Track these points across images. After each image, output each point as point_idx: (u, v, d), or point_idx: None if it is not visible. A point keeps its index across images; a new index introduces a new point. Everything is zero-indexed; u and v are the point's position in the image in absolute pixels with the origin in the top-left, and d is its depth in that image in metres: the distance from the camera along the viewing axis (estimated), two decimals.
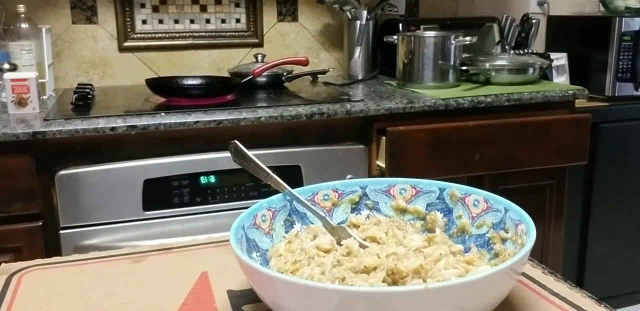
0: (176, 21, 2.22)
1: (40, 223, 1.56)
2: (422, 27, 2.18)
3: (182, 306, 0.66)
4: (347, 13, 2.22)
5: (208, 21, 2.25)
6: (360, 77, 2.22)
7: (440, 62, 1.95)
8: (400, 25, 2.18)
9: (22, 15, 1.82)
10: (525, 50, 2.22)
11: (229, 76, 2.06)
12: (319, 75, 2.19)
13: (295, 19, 2.35)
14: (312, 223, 0.74)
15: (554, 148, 1.88)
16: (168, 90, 1.86)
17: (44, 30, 1.85)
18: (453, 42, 1.94)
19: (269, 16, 2.31)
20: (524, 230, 0.64)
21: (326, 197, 0.77)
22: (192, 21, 2.23)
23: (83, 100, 1.70)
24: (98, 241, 1.58)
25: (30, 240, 1.55)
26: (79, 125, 1.53)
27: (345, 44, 2.29)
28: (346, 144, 1.77)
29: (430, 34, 1.99)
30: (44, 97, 1.82)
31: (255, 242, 0.68)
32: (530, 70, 2.04)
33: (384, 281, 0.60)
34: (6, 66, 1.73)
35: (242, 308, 0.65)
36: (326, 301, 0.53)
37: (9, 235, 1.53)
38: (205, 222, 1.65)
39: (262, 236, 0.70)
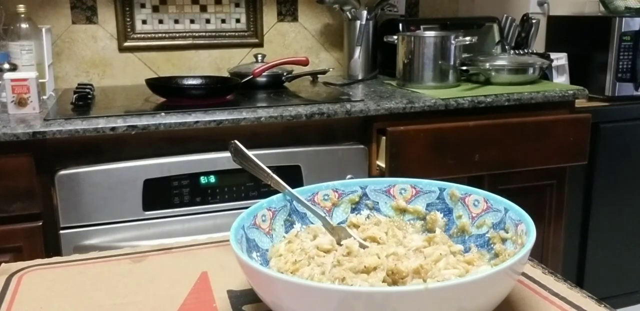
0: (176, 21, 2.22)
1: (40, 223, 1.56)
2: (422, 27, 2.18)
3: (182, 306, 0.66)
4: (347, 13, 2.22)
5: (208, 21, 2.25)
6: (360, 77, 2.22)
7: (440, 62, 1.95)
8: (400, 25, 2.19)
9: (22, 15, 1.82)
10: (525, 50, 2.22)
11: (229, 76, 2.06)
12: (319, 75, 2.19)
13: (295, 19, 2.35)
14: (312, 223, 0.74)
15: (554, 148, 1.88)
16: (168, 90, 1.86)
17: (44, 30, 1.85)
18: (453, 42, 1.94)
19: (269, 16, 2.31)
20: (524, 230, 0.64)
21: (326, 197, 0.77)
22: (192, 21, 2.23)
23: (83, 100, 1.70)
24: (98, 241, 1.58)
25: (30, 240, 1.55)
26: (79, 125, 1.53)
27: (345, 44, 2.29)
28: (346, 144, 1.77)
29: (430, 34, 1.99)
30: (44, 97, 1.82)
31: (255, 242, 0.68)
32: (530, 70, 2.04)
33: (384, 281, 0.60)
34: (6, 66, 1.73)
35: (242, 308, 0.65)
36: (326, 301, 0.53)
37: (9, 235, 1.53)
38: (205, 222, 1.65)
39: (262, 236, 0.70)
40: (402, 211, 0.77)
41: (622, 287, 2.38)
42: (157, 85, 1.87)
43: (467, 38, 1.93)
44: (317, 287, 0.54)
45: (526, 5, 2.42)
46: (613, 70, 2.21)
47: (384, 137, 1.74)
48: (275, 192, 0.75)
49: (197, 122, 1.60)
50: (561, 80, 2.29)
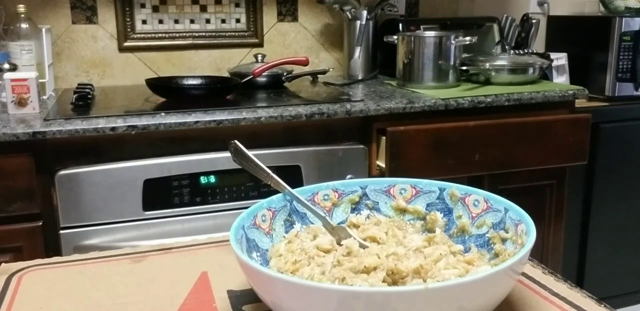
0: (176, 21, 2.22)
1: (40, 223, 1.56)
2: (422, 27, 2.18)
3: (182, 306, 0.66)
4: (347, 13, 2.22)
5: (208, 21, 2.25)
6: (360, 77, 2.22)
7: (440, 62, 1.95)
8: (400, 25, 2.19)
9: (22, 15, 1.82)
10: (525, 50, 2.22)
11: (229, 76, 2.06)
12: (319, 75, 2.19)
13: (295, 19, 2.35)
14: (312, 223, 0.74)
15: (554, 148, 1.88)
16: (168, 90, 1.86)
17: (44, 30, 1.85)
18: (453, 42, 1.94)
19: (269, 16, 2.31)
20: (524, 230, 0.64)
21: (326, 197, 0.77)
22: (192, 21, 2.23)
23: (83, 100, 1.70)
24: (98, 241, 1.58)
25: (30, 240, 1.55)
26: (79, 125, 1.53)
27: (345, 44, 2.29)
28: (346, 144, 1.77)
29: (430, 34, 1.99)
30: (44, 97, 1.82)
31: (255, 242, 0.68)
32: (530, 70, 2.04)
33: (384, 281, 0.60)
34: (6, 66, 1.73)
35: (242, 308, 0.65)
36: (326, 301, 0.53)
37: (9, 235, 1.53)
38: (205, 222, 1.65)
39: (262, 236, 0.70)
40: (402, 211, 0.77)
41: (622, 287, 2.38)
42: (157, 85, 1.87)
43: (467, 38, 1.93)
44: (317, 287, 0.54)
45: (526, 5, 2.42)
46: (613, 70, 2.21)
47: (384, 137, 1.74)
48: (275, 192, 0.75)
49: (197, 122, 1.60)
50: (561, 80, 2.29)
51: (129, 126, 1.55)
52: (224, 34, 2.27)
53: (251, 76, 1.95)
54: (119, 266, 0.77)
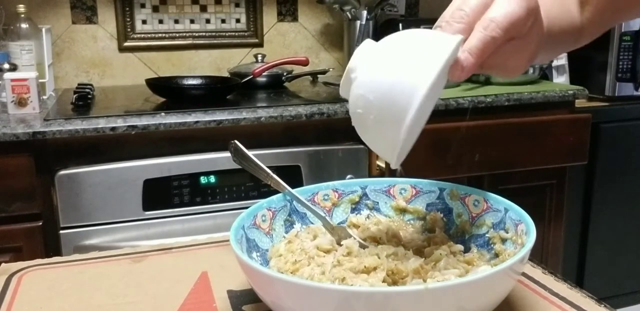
0: (176, 21, 2.22)
1: (40, 223, 1.56)
2: (422, 27, 2.17)
3: (182, 306, 0.66)
4: (347, 13, 2.22)
5: (208, 21, 2.25)
6: None
7: None
8: (400, 25, 2.19)
9: (22, 15, 1.82)
10: None
11: (229, 76, 2.06)
12: (319, 75, 2.20)
13: (295, 19, 2.35)
14: (312, 223, 0.74)
15: (554, 148, 1.88)
16: (168, 90, 1.86)
17: (44, 30, 1.85)
18: None
19: (269, 16, 2.31)
20: (524, 230, 0.63)
21: (326, 197, 0.77)
22: (192, 21, 2.23)
23: (83, 100, 1.71)
24: (98, 241, 1.58)
25: (30, 240, 1.55)
26: (79, 125, 1.53)
27: (345, 44, 2.29)
28: (346, 144, 1.77)
29: None
30: (44, 97, 1.82)
31: (255, 242, 0.68)
32: (530, 70, 2.04)
33: (384, 281, 0.60)
34: (6, 66, 1.73)
35: (242, 308, 0.65)
36: (326, 301, 0.53)
37: (9, 235, 1.53)
38: (205, 222, 1.65)
39: (262, 236, 0.70)
40: (402, 211, 0.77)
41: (622, 287, 2.38)
42: (157, 85, 1.87)
43: None
44: (317, 287, 0.54)
45: None
46: (613, 70, 2.21)
47: None
48: (275, 192, 0.75)
49: (197, 122, 1.60)
50: (561, 80, 2.29)
51: (129, 126, 1.55)
52: (224, 34, 2.27)
53: (251, 76, 1.95)
54: (119, 266, 0.77)
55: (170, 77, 2.04)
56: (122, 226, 1.59)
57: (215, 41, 2.26)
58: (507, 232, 0.68)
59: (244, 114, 1.64)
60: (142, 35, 2.18)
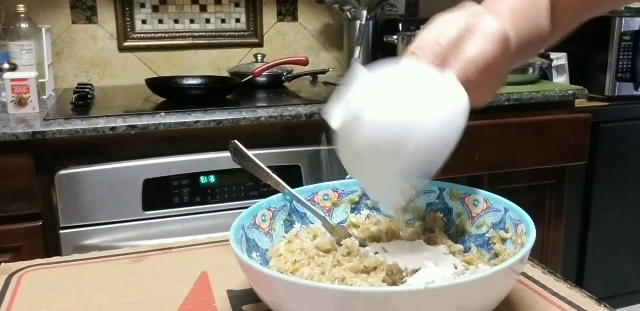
0: (176, 21, 2.22)
1: (40, 223, 1.56)
2: (422, 27, 2.17)
3: (182, 306, 0.66)
4: (347, 13, 2.22)
5: (208, 21, 2.25)
6: None
7: None
8: (400, 25, 2.19)
9: (22, 15, 1.82)
10: None
11: (229, 76, 2.06)
12: (319, 75, 2.20)
13: (295, 19, 2.35)
14: (312, 223, 0.74)
15: (554, 148, 1.88)
16: (168, 90, 1.86)
17: (44, 30, 1.85)
18: None
19: (269, 16, 2.31)
20: (524, 230, 0.63)
21: (326, 197, 0.77)
22: (192, 21, 2.23)
23: (83, 100, 1.71)
24: (98, 241, 1.58)
25: (30, 240, 1.55)
26: (79, 125, 1.53)
27: (345, 44, 2.29)
28: None
29: None
30: (44, 97, 1.82)
31: (255, 242, 0.68)
32: (530, 70, 2.04)
33: (384, 281, 0.60)
34: (6, 66, 1.73)
35: (242, 308, 0.65)
36: (326, 301, 0.53)
37: (9, 235, 1.53)
38: (205, 222, 1.65)
39: (262, 237, 0.70)
40: (402, 211, 0.77)
41: (622, 287, 2.38)
42: (157, 85, 1.87)
43: None
44: (317, 287, 0.54)
45: None
46: (613, 70, 2.21)
47: None
48: (275, 192, 0.75)
49: (197, 122, 1.60)
50: (561, 80, 2.29)
51: (129, 126, 1.55)
52: (224, 34, 2.27)
53: (251, 76, 1.95)
54: (119, 266, 0.77)
55: (170, 77, 2.04)
56: (122, 226, 1.59)
57: (215, 41, 2.26)
58: (507, 232, 0.68)
59: (244, 114, 1.64)
60: (142, 35, 2.18)
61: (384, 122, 0.56)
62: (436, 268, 0.62)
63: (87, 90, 1.81)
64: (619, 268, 2.35)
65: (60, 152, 1.56)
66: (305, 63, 2.06)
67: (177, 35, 2.22)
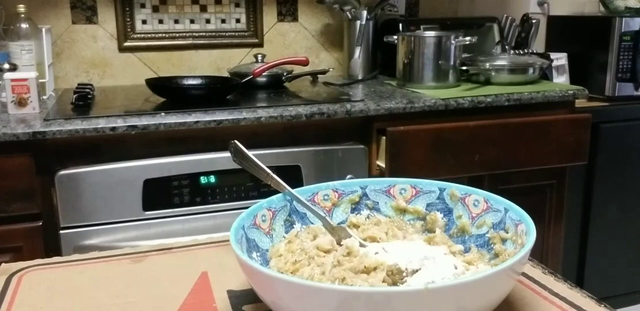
0: (176, 21, 2.22)
1: (40, 223, 1.56)
2: (422, 27, 2.18)
3: (182, 306, 0.66)
4: (347, 13, 2.22)
5: (208, 21, 2.25)
6: (360, 77, 2.22)
7: (440, 62, 1.95)
8: (400, 25, 2.19)
9: (22, 15, 1.82)
10: (525, 50, 2.22)
11: (229, 76, 2.06)
12: (319, 75, 2.19)
13: (295, 19, 2.35)
14: (312, 223, 0.74)
15: (554, 148, 1.88)
16: (168, 90, 1.86)
17: (44, 30, 1.85)
18: (453, 42, 1.94)
19: (269, 16, 2.31)
20: (524, 230, 0.64)
21: (326, 197, 0.77)
22: (192, 21, 2.23)
23: (83, 100, 1.70)
24: (98, 241, 1.58)
25: (30, 240, 1.55)
26: (79, 125, 1.53)
27: (345, 44, 2.29)
28: (346, 144, 1.77)
29: (430, 34, 1.99)
30: (44, 97, 1.82)
31: (255, 242, 0.68)
32: (530, 70, 2.04)
33: (384, 281, 0.60)
34: (6, 66, 1.73)
35: (242, 308, 0.65)
36: (326, 301, 0.53)
37: (9, 235, 1.53)
38: (205, 222, 1.65)
39: (262, 237, 0.70)
40: (402, 211, 0.77)
41: (622, 287, 2.38)
42: (157, 85, 1.87)
43: (467, 38, 1.93)
44: (317, 287, 0.54)
45: (526, 5, 2.42)
46: (613, 70, 2.21)
47: (384, 137, 1.74)
48: (275, 192, 0.75)
49: (197, 122, 1.60)
50: (561, 80, 2.29)
51: (129, 126, 1.55)
52: (224, 34, 2.27)
53: (251, 76, 1.95)
54: (119, 266, 0.77)
55: (170, 77, 2.04)
56: (122, 226, 1.59)
57: (215, 41, 2.26)
58: (507, 232, 0.68)
59: (244, 114, 1.64)
60: (142, 35, 2.18)
61: None
62: (436, 268, 0.62)
63: (87, 90, 1.81)
64: (619, 268, 2.35)
65: (60, 152, 1.56)
66: (305, 63, 2.06)
67: (177, 35, 2.22)
